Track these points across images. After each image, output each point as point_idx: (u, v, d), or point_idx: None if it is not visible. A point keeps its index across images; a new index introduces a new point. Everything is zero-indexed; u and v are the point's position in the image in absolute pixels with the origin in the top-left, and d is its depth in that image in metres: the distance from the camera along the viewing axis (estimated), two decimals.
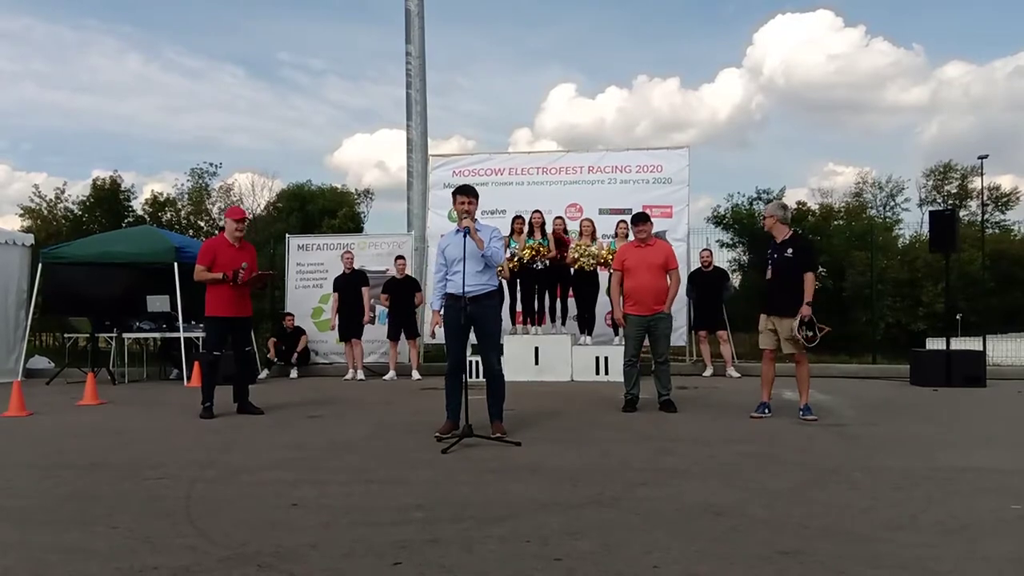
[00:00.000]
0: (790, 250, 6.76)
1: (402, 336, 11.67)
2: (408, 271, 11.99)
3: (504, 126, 71.82)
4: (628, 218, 11.04)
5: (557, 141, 58.35)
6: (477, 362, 10.56)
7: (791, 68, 53.03)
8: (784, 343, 6.76)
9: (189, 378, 10.81)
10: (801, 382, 6.85)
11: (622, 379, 7.67)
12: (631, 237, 10.99)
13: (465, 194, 6.01)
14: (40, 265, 11.83)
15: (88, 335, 11.80)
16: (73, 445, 6.10)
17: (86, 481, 4.65)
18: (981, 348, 11.32)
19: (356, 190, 34.48)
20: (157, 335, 12.04)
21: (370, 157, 55.58)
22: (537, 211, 11.05)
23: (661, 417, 7.14)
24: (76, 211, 25.54)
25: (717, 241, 13.90)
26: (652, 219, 11.41)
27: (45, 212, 25.80)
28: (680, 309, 12.24)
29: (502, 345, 6.17)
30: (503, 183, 12.57)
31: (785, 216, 7.09)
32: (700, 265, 11.85)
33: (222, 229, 8.06)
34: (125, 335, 11.77)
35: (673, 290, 7.56)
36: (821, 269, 28.72)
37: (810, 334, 6.60)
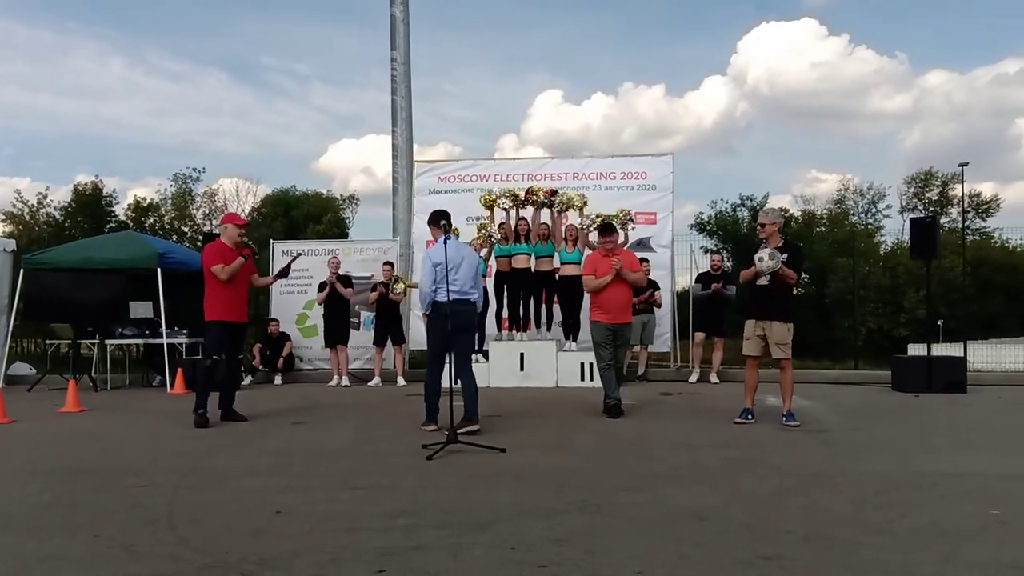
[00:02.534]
0: (785, 255, 6.80)
1: (388, 342, 11.64)
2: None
3: (491, 132, 71.71)
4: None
5: (543, 147, 58.37)
6: None
7: (775, 76, 53.30)
8: (774, 348, 6.81)
9: (172, 385, 10.74)
10: (785, 388, 6.90)
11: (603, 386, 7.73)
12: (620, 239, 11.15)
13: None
14: (22, 271, 11.73)
15: (70, 341, 11.70)
16: (55, 452, 6.05)
17: (68, 488, 4.62)
18: (962, 354, 11.41)
19: (341, 196, 34.25)
20: (140, 341, 11.94)
21: (356, 162, 55.38)
22: (523, 219, 11.09)
23: (646, 423, 7.17)
24: (58, 216, 25.32)
25: (701, 247, 13.97)
26: (637, 225, 11.63)
27: (27, 218, 25.56)
28: (665, 314, 12.32)
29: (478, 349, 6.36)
30: (489, 189, 12.56)
31: (781, 223, 7.21)
32: (710, 268, 11.90)
33: (208, 234, 8.00)
34: (107, 341, 11.68)
35: (637, 278, 7.83)
36: (804, 276, 28.96)
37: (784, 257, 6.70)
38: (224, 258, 7.35)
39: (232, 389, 7.72)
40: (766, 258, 6.68)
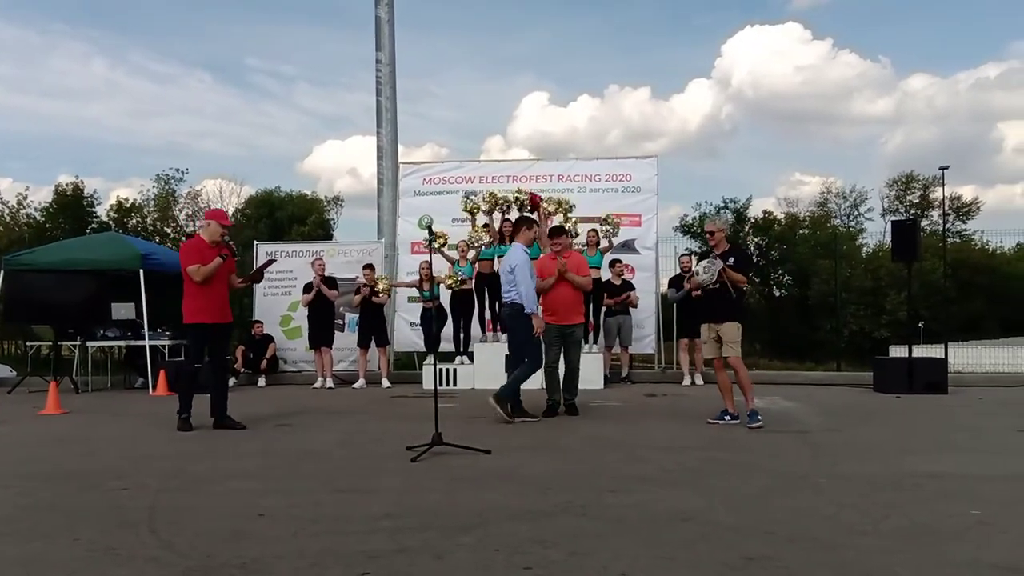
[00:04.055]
0: (732, 259, 6.96)
1: (372, 344, 11.61)
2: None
3: (477, 134, 71.93)
4: (598, 226, 11.25)
5: (529, 149, 58.58)
6: (450, 370, 10.62)
7: (759, 79, 53.80)
8: (726, 346, 6.88)
9: (154, 387, 10.65)
10: (743, 386, 6.92)
11: (584, 387, 7.90)
12: (602, 244, 11.18)
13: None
14: (2, 272, 11.60)
15: (51, 343, 11.60)
16: (35, 455, 5.99)
17: (48, 492, 4.57)
18: (943, 355, 11.52)
19: (326, 197, 34.26)
20: (122, 343, 11.85)
21: (342, 164, 55.38)
22: (507, 220, 11.08)
23: (631, 424, 7.19)
24: (39, 217, 25.08)
25: (686, 249, 14.00)
26: (621, 227, 11.63)
27: (7, 218, 25.31)
28: (649, 316, 12.35)
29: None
30: (474, 191, 12.57)
31: (728, 230, 7.45)
32: (681, 270, 11.84)
33: (191, 235, 7.85)
34: (89, 343, 11.58)
35: (582, 282, 7.88)
36: (787, 277, 29.25)
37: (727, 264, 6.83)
38: (202, 257, 7.04)
39: (222, 396, 7.23)
40: (701, 271, 6.90)
